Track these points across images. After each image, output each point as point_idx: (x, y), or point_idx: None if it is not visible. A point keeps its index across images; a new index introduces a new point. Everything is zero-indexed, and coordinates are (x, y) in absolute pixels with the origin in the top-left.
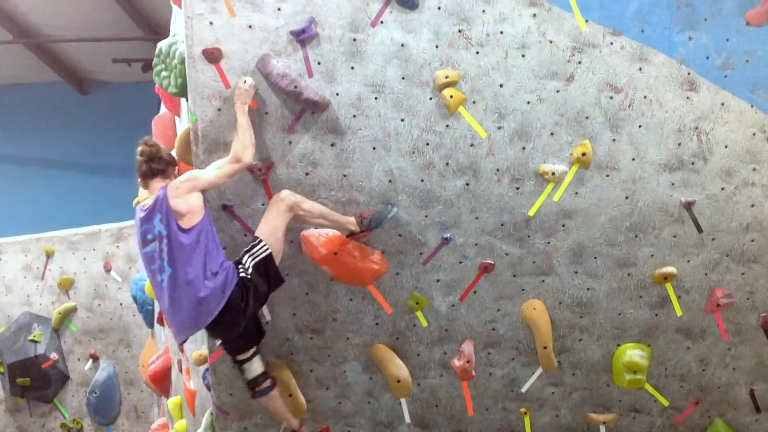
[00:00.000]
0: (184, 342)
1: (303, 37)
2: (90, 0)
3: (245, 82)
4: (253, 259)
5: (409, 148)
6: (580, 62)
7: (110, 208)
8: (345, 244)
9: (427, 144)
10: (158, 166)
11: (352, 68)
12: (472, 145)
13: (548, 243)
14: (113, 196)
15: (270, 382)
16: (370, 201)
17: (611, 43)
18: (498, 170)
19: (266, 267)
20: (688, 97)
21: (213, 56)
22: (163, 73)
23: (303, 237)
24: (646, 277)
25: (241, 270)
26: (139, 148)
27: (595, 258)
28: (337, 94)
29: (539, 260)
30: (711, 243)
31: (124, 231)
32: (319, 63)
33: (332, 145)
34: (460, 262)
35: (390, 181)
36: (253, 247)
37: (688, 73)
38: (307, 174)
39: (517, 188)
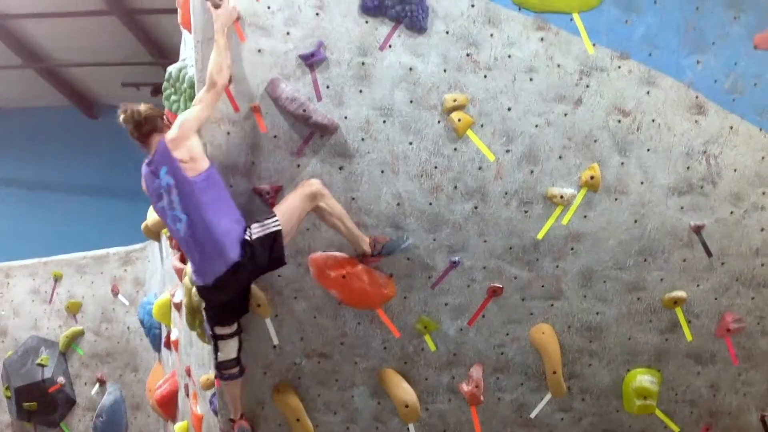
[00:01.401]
0: (212, 284)
1: (312, 61)
2: (99, 24)
3: (229, 3)
4: (261, 231)
5: (418, 172)
6: (588, 86)
7: (119, 232)
8: (353, 267)
9: (436, 167)
10: (148, 127)
11: (361, 92)
12: (480, 168)
13: (557, 266)
14: (122, 219)
15: (238, 370)
16: (378, 224)
17: (619, 67)
18: (506, 193)
19: (272, 243)
20: (696, 121)
21: None
22: (173, 97)
23: (311, 260)
24: (655, 301)
25: (246, 234)
26: (121, 118)
27: (605, 282)
28: (346, 118)
29: (548, 284)
30: (721, 267)
31: (132, 254)
32: (327, 86)
33: (341, 168)
34: (469, 286)
35: (398, 204)
36: (266, 219)
37: (697, 97)
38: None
39: (526, 211)
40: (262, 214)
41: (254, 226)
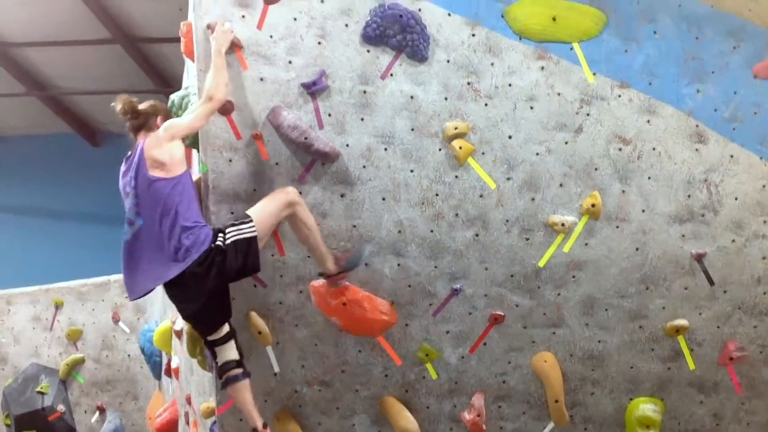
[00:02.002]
0: (136, 299)
1: (314, 89)
2: (103, 53)
3: (224, 25)
4: (236, 235)
5: (419, 199)
6: (588, 114)
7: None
8: (354, 294)
9: (437, 195)
10: (137, 121)
11: (362, 120)
12: (481, 195)
13: (558, 294)
14: None
15: (239, 372)
16: (379, 251)
17: (619, 96)
18: (507, 221)
19: (247, 248)
20: (697, 149)
21: (225, 108)
22: None
23: (312, 288)
24: (657, 329)
25: (219, 239)
26: (117, 108)
27: (606, 310)
28: (347, 145)
29: (550, 312)
30: (723, 295)
31: None
32: (329, 114)
33: (342, 195)
34: (470, 314)
35: (399, 231)
36: (241, 223)
37: (697, 126)
38: (317, 225)
39: (527, 239)
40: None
41: (230, 229)
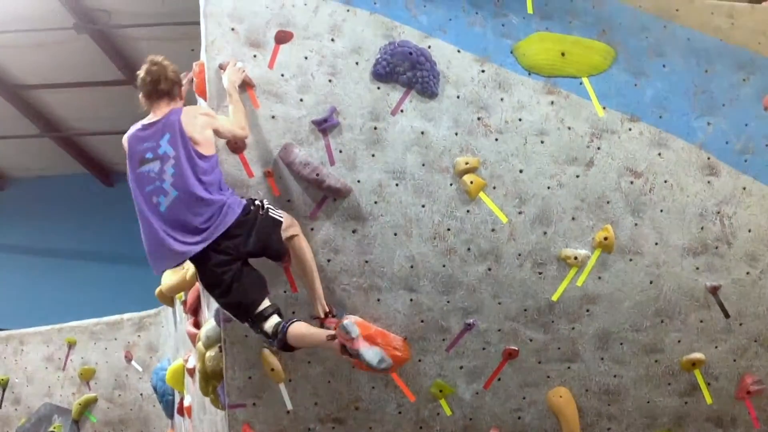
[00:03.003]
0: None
1: (325, 126)
2: (115, 94)
3: (236, 65)
4: (272, 211)
5: (431, 234)
6: (599, 148)
7: (132, 298)
8: (367, 330)
9: (449, 229)
10: (164, 87)
11: (373, 156)
12: (493, 230)
13: (573, 328)
14: (136, 285)
15: (287, 321)
16: (392, 287)
17: (629, 129)
18: (520, 255)
19: (273, 229)
20: (709, 182)
21: (236, 146)
22: None
23: (325, 324)
24: (674, 363)
25: (258, 201)
26: (145, 67)
27: (621, 344)
28: (359, 181)
29: (564, 346)
30: (738, 328)
31: (146, 320)
32: (340, 151)
33: (354, 231)
34: (484, 349)
35: (411, 266)
36: (272, 205)
37: (708, 158)
38: (329, 260)
39: (540, 273)
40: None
41: (267, 204)
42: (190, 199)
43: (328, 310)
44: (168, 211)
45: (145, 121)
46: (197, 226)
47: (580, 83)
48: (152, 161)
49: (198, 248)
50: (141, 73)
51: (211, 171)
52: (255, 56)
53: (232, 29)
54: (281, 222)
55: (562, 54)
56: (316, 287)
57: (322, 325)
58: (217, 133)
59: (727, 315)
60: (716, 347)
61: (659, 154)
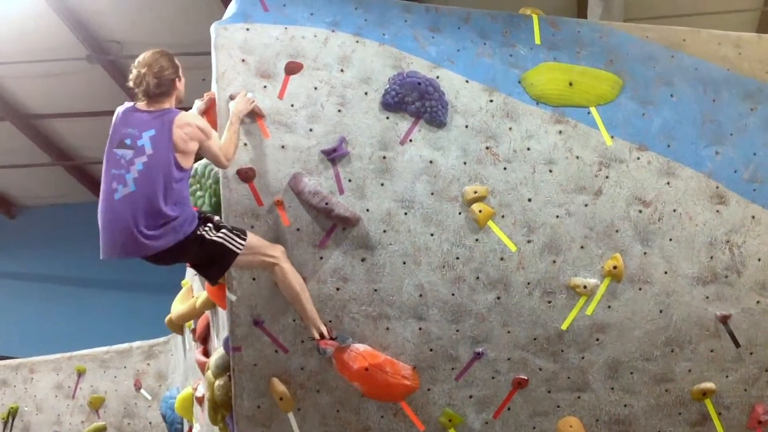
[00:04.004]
0: (109, 258)
1: (334, 155)
2: None
3: (246, 95)
4: (222, 238)
5: (439, 263)
6: (607, 177)
7: (142, 325)
8: (376, 359)
9: (457, 258)
10: (166, 88)
11: (382, 185)
12: (502, 258)
13: (582, 358)
14: (145, 313)
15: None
16: (400, 315)
17: (638, 158)
18: (529, 284)
19: (221, 258)
20: (718, 211)
21: (247, 175)
22: (198, 193)
23: (334, 353)
24: (684, 393)
25: (206, 228)
26: (144, 65)
27: (632, 373)
28: (368, 210)
29: (574, 375)
30: (749, 357)
31: (156, 348)
32: (349, 180)
33: (363, 260)
34: (493, 378)
35: (420, 295)
36: (236, 235)
37: (717, 187)
38: (338, 289)
39: (549, 302)
40: (235, 229)
41: (223, 231)
42: (146, 203)
43: (327, 333)
44: (120, 202)
45: (140, 104)
46: (140, 230)
47: (588, 113)
48: (127, 148)
49: (122, 257)
50: (141, 70)
51: (179, 182)
52: (265, 87)
53: (243, 60)
54: (237, 254)
55: (570, 84)
56: (306, 312)
57: (317, 346)
58: (201, 149)
59: (737, 344)
60: (727, 377)
61: (668, 183)
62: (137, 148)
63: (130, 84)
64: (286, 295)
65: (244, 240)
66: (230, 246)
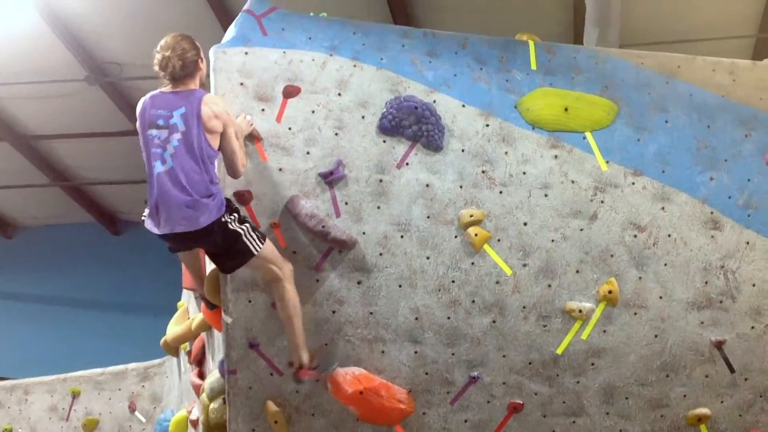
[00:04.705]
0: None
1: (331, 178)
2: (124, 144)
3: (245, 118)
4: (245, 236)
5: (435, 286)
6: (602, 201)
7: (137, 347)
8: (371, 383)
9: (453, 281)
10: (190, 69)
11: (379, 208)
12: (497, 282)
13: (578, 382)
14: (141, 334)
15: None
16: (396, 338)
17: (633, 183)
18: (524, 307)
19: (240, 253)
20: (712, 236)
21: (244, 198)
22: None
23: (329, 376)
24: (679, 418)
25: (232, 218)
26: (167, 48)
27: (627, 398)
28: (364, 233)
29: (569, 400)
30: (744, 383)
31: (150, 370)
32: (346, 203)
33: (359, 282)
34: (489, 402)
35: (416, 318)
36: (258, 235)
37: (712, 213)
38: (333, 312)
39: (545, 326)
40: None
41: (246, 224)
42: (187, 178)
43: (307, 363)
44: (163, 178)
45: (165, 89)
46: (186, 203)
47: (584, 138)
48: (161, 128)
49: (174, 230)
50: (165, 53)
51: (214, 158)
52: (263, 110)
53: (241, 84)
54: (254, 255)
55: (566, 109)
56: (295, 337)
57: (295, 374)
58: (223, 138)
59: (732, 370)
60: (722, 402)
61: (662, 208)
62: (170, 126)
63: (156, 68)
64: (281, 315)
65: (262, 244)
66: (249, 245)
